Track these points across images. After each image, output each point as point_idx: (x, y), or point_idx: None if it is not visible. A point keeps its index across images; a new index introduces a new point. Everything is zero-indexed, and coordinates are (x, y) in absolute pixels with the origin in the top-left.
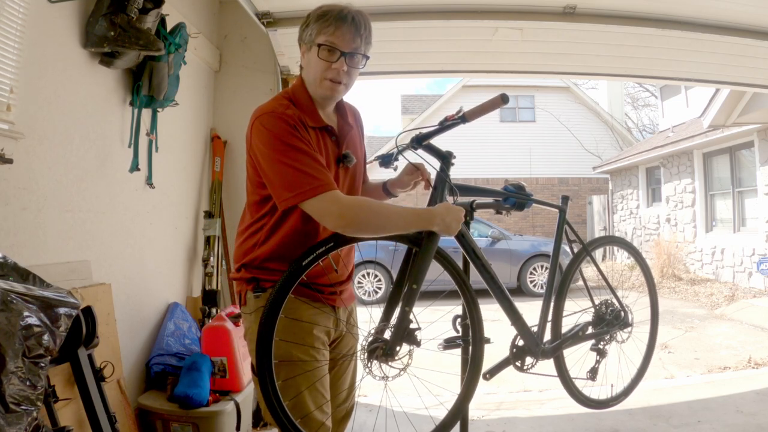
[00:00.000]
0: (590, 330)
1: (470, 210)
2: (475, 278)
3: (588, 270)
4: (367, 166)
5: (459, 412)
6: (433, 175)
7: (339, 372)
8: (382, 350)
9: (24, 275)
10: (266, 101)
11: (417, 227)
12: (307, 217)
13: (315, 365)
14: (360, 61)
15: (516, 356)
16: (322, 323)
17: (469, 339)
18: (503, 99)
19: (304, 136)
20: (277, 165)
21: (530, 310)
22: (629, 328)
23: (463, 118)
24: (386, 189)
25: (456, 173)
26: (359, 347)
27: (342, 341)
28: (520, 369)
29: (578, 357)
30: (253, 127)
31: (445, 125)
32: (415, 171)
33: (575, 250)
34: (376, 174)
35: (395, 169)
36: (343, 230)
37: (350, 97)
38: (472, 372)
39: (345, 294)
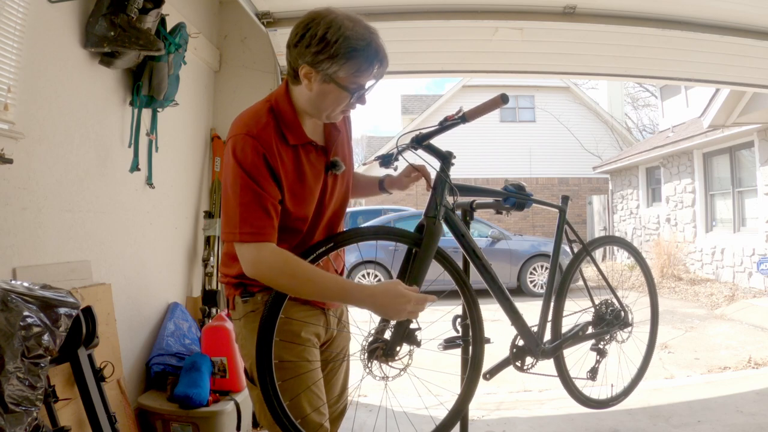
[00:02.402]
0: (590, 330)
1: (470, 210)
2: (475, 278)
3: (588, 270)
4: (368, 165)
5: (459, 412)
6: (432, 176)
7: (331, 372)
8: (382, 350)
9: None
10: (249, 107)
11: (343, 303)
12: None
13: (308, 367)
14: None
15: (516, 356)
16: (312, 324)
17: (469, 339)
18: (503, 99)
19: (271, 165)
20: (230, 197)
21: (530, 310)
22: (629, 328)
23: (463, 118)
24: (382, 186)
25: (456, 173)
26: (359, 347)
27: (334, 342)
28: (520, 369)
29: (578, 357)
30: (227, 144)
31: (445, 125)
32: (414, 172)
33: (575, 250)
34: (375, 173)
35: (395, 169)
36: (258, 279)
37: None
38: (472, 372)
39: None
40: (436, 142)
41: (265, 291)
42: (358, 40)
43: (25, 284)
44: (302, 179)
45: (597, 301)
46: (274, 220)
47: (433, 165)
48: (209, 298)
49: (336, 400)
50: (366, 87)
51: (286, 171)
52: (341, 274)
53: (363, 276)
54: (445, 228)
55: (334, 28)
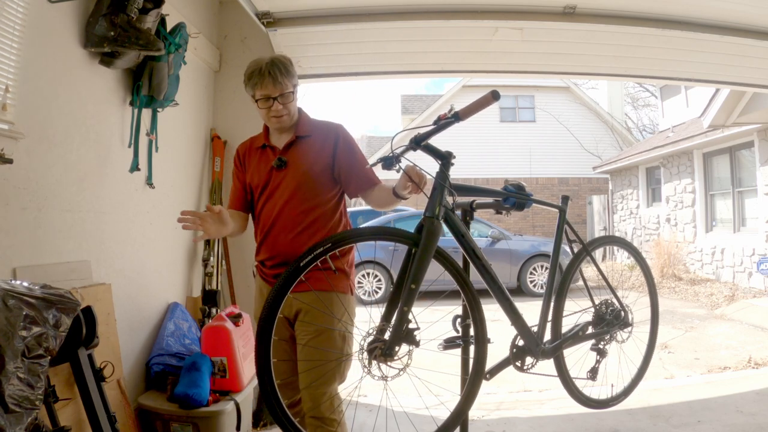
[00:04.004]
0: (590, 330)
1: (470, 210)
2: (475, 278)
3: (588, 270)
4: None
5: (461, 413)
6: (433, 175)
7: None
8: (380, 350)
9: None
10: None
11: None
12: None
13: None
14: (290, 96)
15: (516, 356)
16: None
17: (470, 340)
18: (494, 96)
19: (243, 163)
20: None
21: (530, 310)
22: (629, 328)
23: (456, 116)
24: (396, 193)
25: (456, 173)
26: (359, 347)
27: (296, 324)
28: (520, 369)
29: (578, 357)
30: None
31: (441, 124)
32: (407, 177)
33: (575, 250)
34: (379, 174)
35: (398, 171)
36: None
37: (350, 98)
38: (474, 373)
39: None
40: (437, 141)
41: (259, 272)
42: (252, 66)
43: (25, 284)
44: (252, 171)
45: (597, 301)
46: (233, 200)
47: (426, 171)
48: (209, 298)
49: (303, 380)
50: (275, 96)
51: (248, 165)
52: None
53: (363, 276)
54: (445, 228)
55: (248, 65)
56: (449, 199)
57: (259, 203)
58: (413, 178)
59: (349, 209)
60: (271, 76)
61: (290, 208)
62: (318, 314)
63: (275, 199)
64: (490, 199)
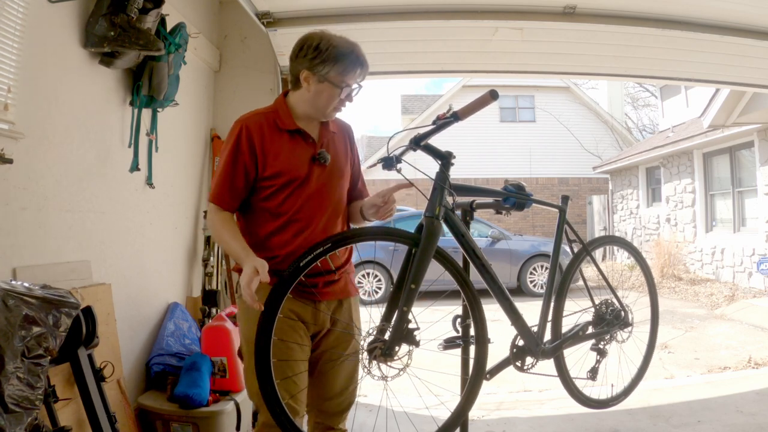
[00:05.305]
0: (590, 330)
1: (470, 210)
2: (475, 278)
3: (588, 270)
4: (371, 169)
5: (462, 413)
6: (432, 177)
7: (326, 366)
8: (380, 350)
9: None
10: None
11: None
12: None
13: (288, 362)
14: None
15: (516, 356)
16: (297, 321)
17: (470, 340)
18: (492, 95)
19: (259, 149)
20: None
21: (530, 310)
22: (629, 328)
23: (455, 116)
24: (362, 212)
25: (456, 173)
26: (359, 347)
27: (328, 337)
28: (520, 369)
29: (578, 357)
30: None
31: (440, 124)
32: (385, 195)
33: (575, 249)
34: (379, 175)
35: (399, 171)
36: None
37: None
38: (475, 373)
39: (330, 287)
40: (436, 141)
41: None
42: (343, 48)
43: (25, 284)
44: (283, 156)
45: (597, 301)
46: (233, 193)
47: (421, 170)
48: (209, 298)
49: (337, 395)
50: (352, 86)
51: (271, 146)
52: (334, 266)
53: (363, 276)
54: (445, 228)
55: (325, 41)
56: (449, 199)
57: (291, 197)
58: (382, 201)
59: None
60: (367, 66)
61: (339, 211)
62: (356, 321)
63: (320, 199)
64: (490, 199)
